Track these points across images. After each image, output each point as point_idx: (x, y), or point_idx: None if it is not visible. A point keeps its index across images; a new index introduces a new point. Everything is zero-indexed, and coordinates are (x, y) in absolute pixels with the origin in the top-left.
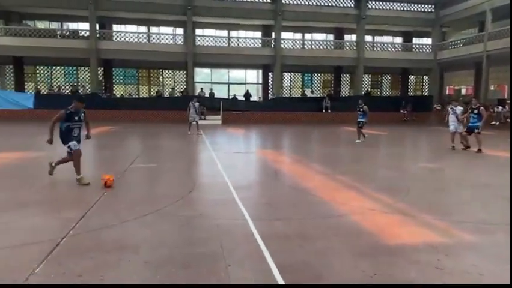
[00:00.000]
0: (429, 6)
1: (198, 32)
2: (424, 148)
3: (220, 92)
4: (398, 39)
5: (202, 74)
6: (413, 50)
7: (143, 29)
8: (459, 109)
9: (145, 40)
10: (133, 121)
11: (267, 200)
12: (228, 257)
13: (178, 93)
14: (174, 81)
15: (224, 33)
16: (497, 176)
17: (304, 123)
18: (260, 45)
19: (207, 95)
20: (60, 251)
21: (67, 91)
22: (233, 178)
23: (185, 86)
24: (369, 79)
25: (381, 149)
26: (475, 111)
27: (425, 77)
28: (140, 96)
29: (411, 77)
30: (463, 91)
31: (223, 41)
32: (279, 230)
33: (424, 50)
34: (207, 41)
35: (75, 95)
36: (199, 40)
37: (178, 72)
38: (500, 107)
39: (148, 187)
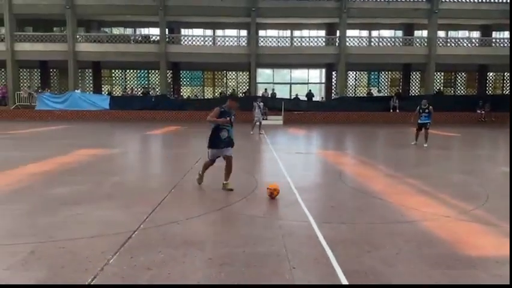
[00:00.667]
0: None
1: (261, 33)
2: (504, 151)
3: (282, 92)
4: (475, 34)
5: (264, 75)
6: (492, 44)
7: (209, 32)
8: None
9: (210, 43)
10: (198, 121)
11: (330, 202)
12: (292, 259)
13: (241, 94)
14: (237, 82)
15: (287, 33)
16: None
17: (370, 123)
18: (324, 43)
19: (269, 95)
20: (131, 244)
21: (139, 93)
22: (295, 178)
23: (247, 87)
24: (442, 77)
25: (454, 151)
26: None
27: (506, 74)
28: (205, 97)
29: (490, 74)
30: None
31: (286, 41)
32: (344, 234)
33: (505, 45)
34: (270, 41)
35: (231, 95)
36: (262, 41)
37: (241, 73)
38: None
39: (212, 186)
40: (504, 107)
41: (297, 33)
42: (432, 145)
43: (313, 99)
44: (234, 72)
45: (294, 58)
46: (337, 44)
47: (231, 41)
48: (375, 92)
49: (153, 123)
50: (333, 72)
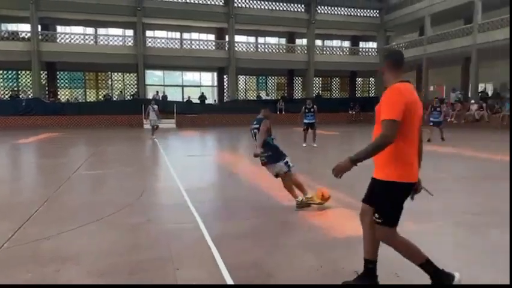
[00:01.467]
0: (375, 11)
1: (149, 33)
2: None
3: (174, 95)
4: (346, 43)
5: (154, 77)
6: (360, 53)
7: (90, 30)
8: None
9: (92, 42)
10: (79, 126)
11: (220, 202)
12: (176, 261)
13: (128, 97)
14: (124, 84)
15: (177, 35)
16: (431, 169)
17: None
18: (214, 47)
19: (160, 98)
20: None
21: (7, 96)
22: (186, 182)
23: (136, 89)
24: (320, 82)
25: (333, 148)
26: (438, 108)
27: (372, 79)
28: (88, 100)
29: (359, 79)
30: None
31: (176, 43)
32: (231, 231)
33: (370, 54)
34: (159, 42)
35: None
36: (150, 42)
37: (128, 74)
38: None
39: (92, 195)
40: (370, 108)
41: (186, 35)
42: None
43: (206, 102)
44: (120, 74)
45: (185, 60)
46: (226, 49)
47: (116, 40)
48: (263, 95)
49: (25, 130)
50: (225, 76)
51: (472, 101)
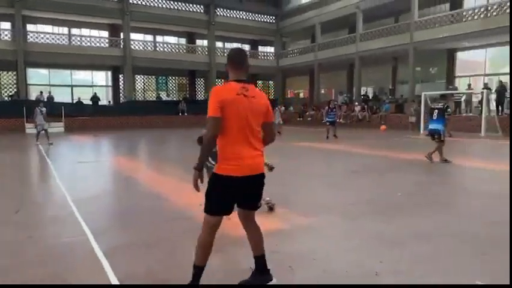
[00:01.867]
0: (271, 17)
1: (30, 27)
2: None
3: (63, 96)
4: (246, 47)
5: (38, 76)
6: (259, 57)
7: None
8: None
9: None
10: None
11: (113, 211)
12: (66, 278)
13: (6, 98)
14: (0, 84)
15: (64, 30)
16: (324, 165)
17: (160, 127)
18: (107, 45)
19: (45, 99)
20: None
21: None
22: (74, 192)
23: (15, 89)
24: (221, 83)
25: None
26: (334, 110)
27: (271, 82)
28: None
29: (259, 82)
30: (301, 95)
31: (63, 39)
32: (124, 241)
33: (268, 58)
34: (43, 38)
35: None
36: (31, 37)
37: (5, 73)
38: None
39: None
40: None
41: (76, 31)
42: None
43: (100, 103)
44: None
45: (74, 58)
46: (122, 46)
47: None
48: (164, 96)
49: None
50: (120, 75)
51: (356, 103)
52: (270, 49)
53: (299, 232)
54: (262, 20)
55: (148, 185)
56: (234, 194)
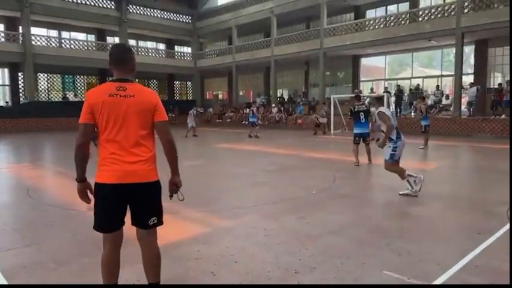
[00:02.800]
0: (187, 17)
1: None
2: (190, 148)
3: None
4: (162, 46)
5: None
6: (176, 57)
7: None
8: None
9: None
10: None
11: (14, 225)
12: None
13: None
14: None
15: None
16: (244, 166)
17: (68, 129)
18: (3, 39)
19: None
20: None
21: None
22: None
23: None
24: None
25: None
26: (254, 111)
27: (189, 83)
28: None
29: (177, 83)
30: (220, 96)
31: None
32: (28, 258)
33: (186, 58)
34: None
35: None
36: None
37: None
38: (247, 109)
39: None
40: (188, 111)
41: None
42: None
43: None
44: None
45: None
46: (21, 42)
47: None
48: (71, 96)
49: None
50: (20, 73)
51: (273, 105)
52: (187, 49)
53: (220, 235)
54: (177, 19)
55: (53, 194)
56: (113, 206)
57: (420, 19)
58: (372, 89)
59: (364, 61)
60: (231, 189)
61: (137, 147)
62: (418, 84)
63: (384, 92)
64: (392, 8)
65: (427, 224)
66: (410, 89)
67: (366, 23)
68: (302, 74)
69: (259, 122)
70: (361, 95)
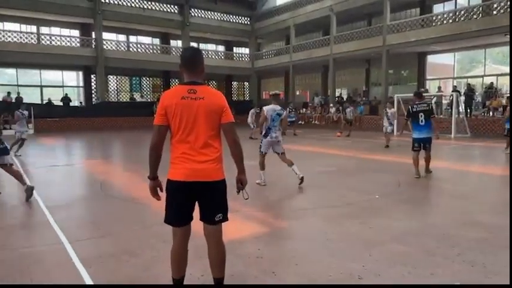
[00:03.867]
0: (246, 18)
1: None
2: (247, 148)
3: (32, 97)
4: (221, 48)
5: (5, 76)
6: (234, 58)
7: None
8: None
9: None
10: None
11: (89, 218)
12: None
13: None
14: None
15: (33, 28)
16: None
17: (135, 128)
18: (78, 44)
19: (13, 100)
20: None
21: None
22: (47, 197)
23: None
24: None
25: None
26: (292, 112)
27: (246, 83)
28: None
29: (234, 83)
30: None
31: (32, 38)
32: (103, 249)
33: (244, 59)
34: (10, 36)
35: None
36: None
37: None
38: (304, 109)
39: None
40: (245, 111)
41: (45, 30)
42: None
43: (71, 104)
44: None
45: (43, 58)
46: (93, 46)
47: None
48: (138, 97)
49: None
50: (92, 76)
51: (331, 105)
52: (245, 50)
53: (280, 236)
54: (237, 21)
55: (121, 189)
56: (181, 201)
57: (495, 12)
58: (439, 88)
59: (430, 58)
60: (289, 191)
61: (206, 147)
62: (492, 83)
63: (453, 91)
64: (462, 1)
65: (504, 235)
66: (484, 88)
67: (434, 18)
68: (362, 72)
69: (314, 121)
70: (425, 94)
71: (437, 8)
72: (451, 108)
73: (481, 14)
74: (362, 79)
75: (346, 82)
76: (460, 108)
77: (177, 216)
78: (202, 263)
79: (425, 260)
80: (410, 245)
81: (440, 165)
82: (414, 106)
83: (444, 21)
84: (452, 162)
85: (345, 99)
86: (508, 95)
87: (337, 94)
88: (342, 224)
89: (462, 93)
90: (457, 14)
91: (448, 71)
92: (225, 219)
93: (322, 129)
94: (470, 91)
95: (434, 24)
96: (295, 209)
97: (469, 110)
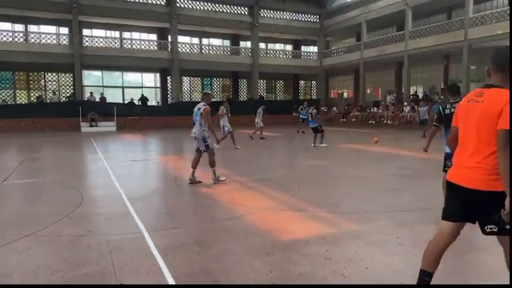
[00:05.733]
0: (315, 16)
1: (86, 32)
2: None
3: (114, 97)
4: (289, 47)
5: (92, 77)
6: (302, 57)
7: (20, 27)
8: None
9: (21, 40)
10: (8, 131)
11: (165, 209)
12: (119, 274)
13: (64, 98)
14: (59, 85)
15: (116, 34)
16: (372, 169)
17: None
18: (156, 47)
19: (97, 99)
20: None
21: None
22: (128, 189)
23: (72, 90)
24: (264, 84)
25: (277, 149)
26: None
27: (313, 82)
28: (18, 102)
29: (301, 82)
30: (345, 94)
31: (115, 42)
32: (177, 239)
33: (311, 57)
34: (96, 41)
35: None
36: (87, 41)
37: (63, 75)
38: (375, 108)
39: (24, 207)
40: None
41: (127, 34)
42: (259, 145)
43: (149, 103)
44: (54, 74)
45: (125, 60)
46: (169, 49)
47: (49, 38)
48: None
49: None
50: (168, 77)
51: (405, 103)
52: (313, 49)
53: (349, 238)
54: (305, 19)
55: (195, 184)
56: (450, 200)
57: None
58: None
59: None
60: (358, 192)
61: (478, 152)
62: None
63: None
64: None
65: None
66: None
67: None
68: (440, 69)
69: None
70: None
71: None
72: None
73: None
74: (440, 76)
75: (422, 79)
76: None
77: (445, 212)
78: (270, 259)
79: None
80: (494, 254)
81: None
82: (448, 106)
83: None
84: None
85: (420, 97)
86: None
87: (412, 92)
88: (415, 230)
89: None
90: None
91: None
92: (499, 232)
93: (395, 130)
94: None
95: None
96: (363, 211)
97: None
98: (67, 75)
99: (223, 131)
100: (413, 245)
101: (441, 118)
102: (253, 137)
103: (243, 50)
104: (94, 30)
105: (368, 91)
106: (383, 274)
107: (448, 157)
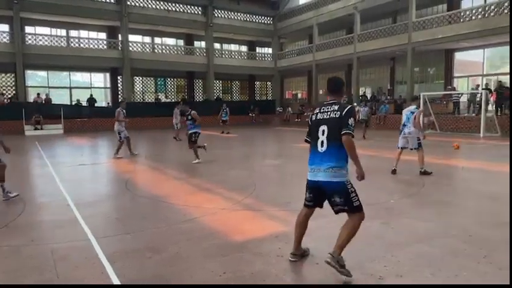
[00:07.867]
0: (269, 18)
1: (29, 29)
2: (269, 147)
3: (62, 98)
4: (244, 48)
5: (37, 77)
6: (257, 58)
7: None
8: None
9: None
10: None
11: (115, 215)
12: (64, 284)
13: (6, 100)
14: None
15: (63, 32)
16: None
17: (159, 128)
18: (106, 47)
19: (43, 101)
20: None
21: None
22: (75, 194)
23: (14, 91)
24: (220, 85)
25: (233, 150)
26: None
27: (269, 83)
28: None
29: (257, 83)
30: (299, 95)
31: (62, 41)
32: (127, 245)
33: (266, 59)
34: (41, 40)
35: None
36: (30, 39)
37: (4, 75)
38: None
39: None
40: (268, 110)
41: (74, 33)
42: (216, 146)
43: (98, 104)
44: None
45: (73, 60)
46: (120, 48)
47: None
48: (162, 97)
49: None
50: (119, 77)
51: (355, 104)
52: (268, 50)
53: None
54: (259, 21)
55: (146, 187)
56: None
57: None
58: (478, 86)
59: (458, 55)
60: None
61: None
62: None
63: (483, 89)
64: None
65: None
66: None
67: (462, 14)
68: (387, 70)
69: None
70: (453, 92)
71: (466, 3)
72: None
73: None
74: (387, 77)
75: (370, 80)
76: (490, 106)
77: None
78: (223, 260)
79: (449, 261)
80: (434, 246)
81: (470, 165)
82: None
83: (473, 17)
84: (481, 162)
85: (369, 98)
86: None
87: (361, 93)
88: (362, 225)
89: (493, 91)
90: (487, 9)
91: (477, 68)
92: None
93: None
94: (500, 88)
95: (462, 20)
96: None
97: (499, 109)
98: (9, 75)
99: (120, 137)
100: (360, 239)
101: None
102: (178, 138)
103: (197, 50)
104: (38, 27)
105: (321, 92)
106: (332, 268)
107: None
